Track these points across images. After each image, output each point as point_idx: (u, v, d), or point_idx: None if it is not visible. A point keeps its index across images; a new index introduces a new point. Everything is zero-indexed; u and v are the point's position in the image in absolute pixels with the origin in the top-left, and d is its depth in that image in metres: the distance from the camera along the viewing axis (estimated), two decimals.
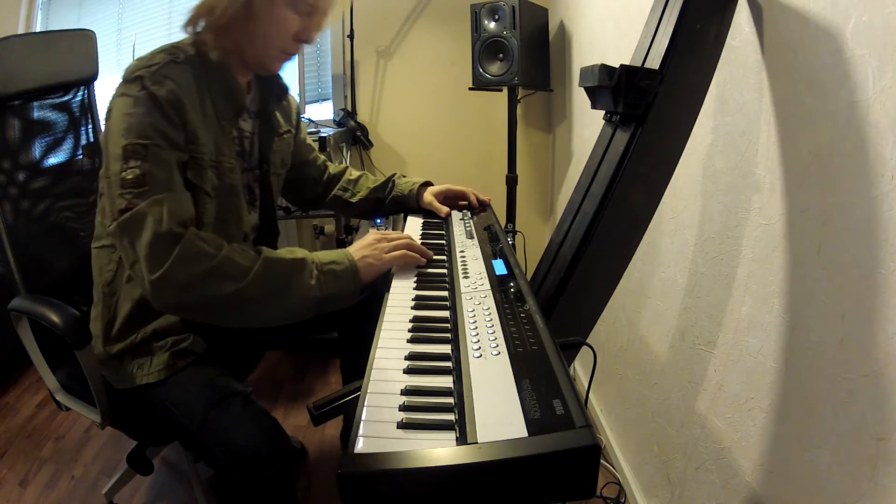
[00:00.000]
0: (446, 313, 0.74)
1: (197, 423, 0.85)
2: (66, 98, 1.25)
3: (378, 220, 2.02)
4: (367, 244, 0.89)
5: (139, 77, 0.80)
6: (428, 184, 1.26)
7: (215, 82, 0.90)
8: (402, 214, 1.27)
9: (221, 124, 0.92)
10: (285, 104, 1.14)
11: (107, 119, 0.83)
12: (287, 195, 1.27)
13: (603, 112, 0.85)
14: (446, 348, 0.65)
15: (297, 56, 1.04)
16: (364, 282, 0.85)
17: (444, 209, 1.19)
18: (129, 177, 0.77)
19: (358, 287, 0.84)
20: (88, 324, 0.99)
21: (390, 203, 1.26)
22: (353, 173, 1.30)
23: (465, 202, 1.25)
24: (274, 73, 1.01)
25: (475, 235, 1.02)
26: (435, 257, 0.93)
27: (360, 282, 0.84)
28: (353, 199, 1.27)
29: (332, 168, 1.29)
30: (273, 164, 1.08)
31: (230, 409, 0.87)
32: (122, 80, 0.83)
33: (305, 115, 2.22)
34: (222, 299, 0.77)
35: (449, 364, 0.61)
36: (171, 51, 0.87)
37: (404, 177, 1.27)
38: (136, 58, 0.85)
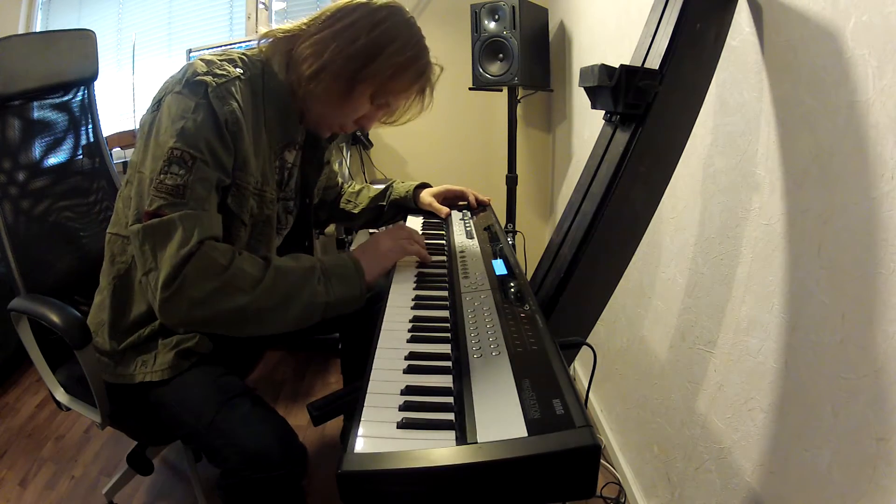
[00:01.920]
0: (446, 313, 0.74)
1: (205, 423, 0.85)
2: (66, 98, 1.25)
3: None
4: (368, 244, 0.89)
5: (204, 83, 0.78)
6: (425, 185, 1.27)
7: (272, 109, 0.88)
8: (402, 216, 1.28)
9: (269, 153, 0.90)
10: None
11: (154, 109, 0.80)
12: None
13: (603, 112, 0.85)
14: (446, 348, 0.65)
15: None
16: (369, 283, 0.84)
17: (444, 210, 1.20)
18: (168, 182, 0.74)
19: (363, 289, 0.83)
20: (89, 325, 0.98)
21: (390, 208, 1.27)
22: (356, 186, 1.32)
23: (465, 202, 1.25)
24: (319, 137, 1.00)
25: (475, 235, 1.02)
26: (435, 257, 0.93)
27: (365, 284, 0.83)
28: (356, 210, 1.28)
29: (345, 187, 1.32)
30: (314, 196, 1.09)
31: (239, 409, 0.86)
32: (184, 75, 0.79)
33: None
34: (233, 312, 0.75)
35: (449, 364, 0.61)
36: (241, 64, 0.84)
37: (403, 182, 1.28)
38: (202, 57, 0.82)
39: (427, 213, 1.22)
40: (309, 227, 1.11)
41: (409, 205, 1.24)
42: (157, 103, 0.81)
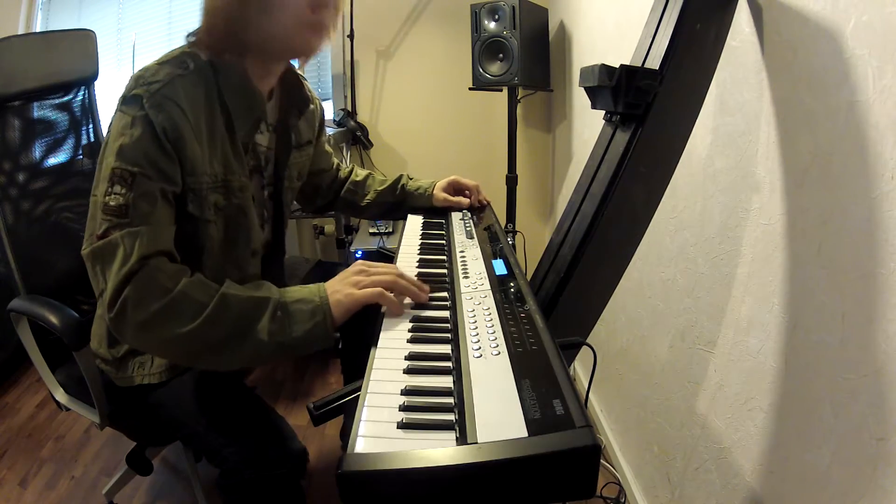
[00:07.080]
0: (446, 313, 0.74)
1: (204, 424, 0.85)
2: (66, 98, 1.25)
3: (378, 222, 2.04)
4: (346, 276, 0.78)
5: (138, 97, 0.75)
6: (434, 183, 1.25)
7: (230, 90, 0.84)
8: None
9: (234, 139, 0.85)
10: (308, 113, 1.06)
11: (109, 130, 0.79)
12: (299, 201, 1.26)
13: (603, 112, 0.85)
14: (446, 348, 0.65)
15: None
16: (337, 322, 0.74)
17: (465, 201, 1.20)
18: (111, 203, 0.73)
19: (330, 329, 0.73)
20: (86, 325, 0.98)
21: (406, 208, 1.24)
22: (360, 173, 1.29)
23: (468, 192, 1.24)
24: (313, 54, 0.91)
25: (475, 235, 1.02)
26: (435, 257, 0.93)
27: (332, 323, 0.73)
28: (363, 203, 1.26)
29: (343, 171, 1.28)
30: (289, 178, 1.03)
31: (237, 409, 0.87)
32: (124, 93, 0.78)
33: None
34: (179, 340, 0.71)
35: (449, 364, 0.61)
36: (178, 61, 0.81)
37: (411, 178, 1.26)
38: (141, 67, 0.79)
39: (429, 213, 1.22)
40: (282, 212, 1.05)
41: (426, 204, 1.22)
42: (110, 124, 0.79)
